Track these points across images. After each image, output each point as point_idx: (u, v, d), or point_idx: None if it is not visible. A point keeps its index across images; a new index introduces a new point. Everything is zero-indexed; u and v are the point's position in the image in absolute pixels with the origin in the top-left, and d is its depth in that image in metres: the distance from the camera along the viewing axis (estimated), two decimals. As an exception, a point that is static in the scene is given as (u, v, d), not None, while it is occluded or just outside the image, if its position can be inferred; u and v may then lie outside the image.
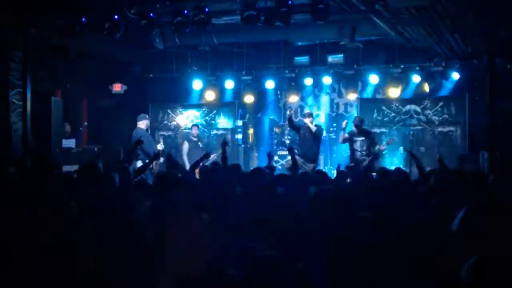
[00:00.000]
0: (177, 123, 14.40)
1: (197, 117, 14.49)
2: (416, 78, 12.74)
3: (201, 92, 14.18)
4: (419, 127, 12.98)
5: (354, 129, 11.34)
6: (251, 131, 14.28)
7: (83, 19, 9.41)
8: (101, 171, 5.00)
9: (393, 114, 13.29)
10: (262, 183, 5.45)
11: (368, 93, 13.70)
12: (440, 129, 12.96)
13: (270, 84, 13.65)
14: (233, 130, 14.12)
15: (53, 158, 9.25)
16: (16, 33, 9.56)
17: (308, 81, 13.41)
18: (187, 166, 10.61)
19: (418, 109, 13.12)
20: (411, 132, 12.53)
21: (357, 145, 11.06)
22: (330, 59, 12.97)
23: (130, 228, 3.08)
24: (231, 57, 13.68)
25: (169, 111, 14.63)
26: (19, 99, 9.58)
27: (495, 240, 2.38)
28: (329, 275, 2.98)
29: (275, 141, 13.83)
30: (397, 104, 13.25)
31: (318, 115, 13.85)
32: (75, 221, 2.97)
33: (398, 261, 2.90)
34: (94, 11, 9.50)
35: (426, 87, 12.61)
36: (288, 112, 11.45)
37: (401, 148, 12.65)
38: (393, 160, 12.81)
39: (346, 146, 11.80)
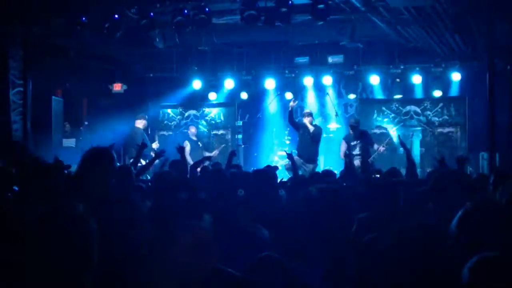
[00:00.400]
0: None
1: (197, 117, 14.50)
2: (416, 79, 12.74)
3: (201, 92, 14.18)
4: (419, 128, 12.98)
5: (350, 131, 11.32)
6: (251, 131, 14.28)
7: (83, 19, 9.42)
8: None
9: (393, 115, 13.30)
10: (264, 185, 5.42)
11: (368, 93, 13.70)
12: (440, 130, 12.95)
13: (270, 84, 13.65)
14: (233, 130, 14.12)
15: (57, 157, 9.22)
16: (16, 32, 9.57)
17: (308, 81, 13.40)
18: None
19: (418, 110, 13.12)
20: (411, 133, 12.53)
21: (355, 150, 10.92)
22: (330, 59, 12.97)
23: (131, 230, 3.08)
24: (231, 57, 13.68)
25: (169, 111, 14.63)
26: (19, 99, 9.59)
27: (495, 240, 2.38)
28: (326, 276, 2.98)
29: (275, 141, 13.83)
30: (397, 105, 13.25)
31: (318, 116, 13.84)
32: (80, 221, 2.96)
33: (398, 261, 2.90)
34: (94, 11, 9.50)
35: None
36: (291, 103, 11.24)
37: (401, 149, 12.62)
38: (393, 160, 12.79)
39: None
